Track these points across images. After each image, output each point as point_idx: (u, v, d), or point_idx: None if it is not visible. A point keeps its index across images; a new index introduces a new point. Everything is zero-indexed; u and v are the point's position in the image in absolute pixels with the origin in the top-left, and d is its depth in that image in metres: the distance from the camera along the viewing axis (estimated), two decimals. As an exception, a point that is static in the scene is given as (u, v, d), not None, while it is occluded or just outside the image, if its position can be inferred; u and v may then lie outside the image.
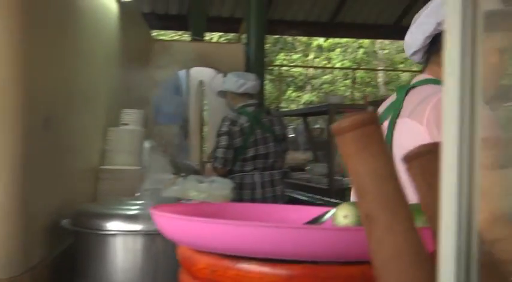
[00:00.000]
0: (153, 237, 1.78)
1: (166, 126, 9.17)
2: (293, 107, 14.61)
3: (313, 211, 0.78)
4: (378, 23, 11.33)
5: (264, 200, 3.84)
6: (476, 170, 0.50)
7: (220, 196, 3.70)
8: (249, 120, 3.84)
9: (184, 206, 0.94)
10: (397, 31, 11.60)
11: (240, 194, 3.81)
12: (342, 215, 0.67)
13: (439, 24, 1.49)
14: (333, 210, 0.72)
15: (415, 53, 1.57)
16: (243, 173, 3.85)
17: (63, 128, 2.13)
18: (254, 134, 3.84)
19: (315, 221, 0.73)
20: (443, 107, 0.48)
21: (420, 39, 1.52)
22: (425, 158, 0.50)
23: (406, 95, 1.50)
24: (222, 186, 3.71)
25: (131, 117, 3.11)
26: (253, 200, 3.83)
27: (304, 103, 14.59)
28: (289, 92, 14.81)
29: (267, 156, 3.88)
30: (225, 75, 7.42)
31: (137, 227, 1.80)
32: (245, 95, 3.94)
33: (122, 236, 1.80)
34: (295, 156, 7.62)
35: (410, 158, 0.50)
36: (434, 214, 0.51)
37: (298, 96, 14.70)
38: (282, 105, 14.00)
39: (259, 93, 5.34)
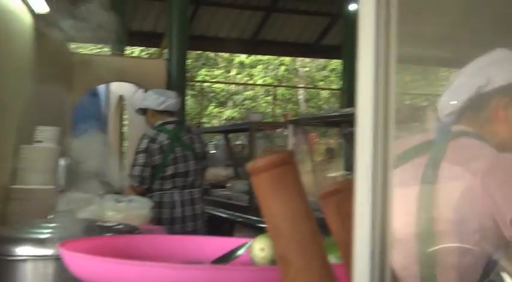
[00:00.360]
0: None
1: (84, 142, 8.91)
2: (215, 122, 14.60)
3: (230, 243, 0.77)
4: (299, 41, 11.57)
5: (184, 218, 3.80)
6: (389, 206, 0.50)
7: (138, 216, 3.60)
8: (169, 138, 3.79)
9: (95, 240, 0.90)
10: (317, 49, 11.90)
11: (159, 213, 3.74)
12: (258, 247, 0.66)
13: (480, 87, 1.47)
14: (249, 243, 0.71)
15: (451, 113, 1.54)
16: (162, 192, 3.79)
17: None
18: (174, 151, 3.79)
19: (232, 254, 0.72)
20: (357, 140, 0.48)
21: (459, 101, 1.50)
22: (340, 196, 0.49)
23: (448, 138, 1.47)
24: (141, 206, 3.62)
25: (45, 135, 2.99)
26: (172, 219, 3.77)
27: (226, 119, 14.63)
28: (211, 107, 14.81)
29: (186, 175, 3.84)
30: (146, 91, 7.33)
31: (48, 251, 1.71)
32: (165, 112, 3.89)
33: (32, 262, 1.71)
34: (216, 173, 7.59)
35: (325, 196, 0.50)
36: (348, 251, 0.51)
37: (220, 112, 14.73)
38: (204, 120, 13.97)
39: (181, 111, 5.29)
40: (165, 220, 3.75)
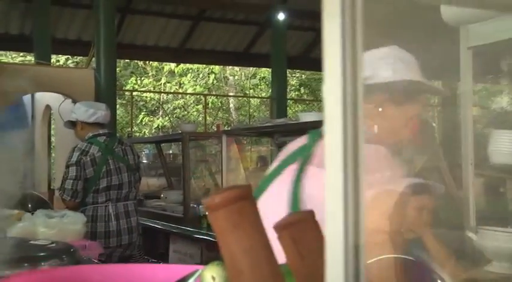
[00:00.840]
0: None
1: (9, 151, 8.59)
2: (145, 131, 14.38)
3: (181, 270, 0.77)
4: (227, 49, 11.61)
5: (119, 231, 3.73)
6: (361, 222, 0.50)
7: (72, 231, 3.50)
8: (101, 150, 3.72)
9: (43, 272, 0.87)
10: (246, 58, 11.97)
11: (94, 227, 3.66)
12: (209, 276, 0.66)
13: (365, 78, 1.50)
14: (200, 271, 0.71)
15: None
16: (96, 205, 3.70)
17: None
18: (106, 164, 3.72)
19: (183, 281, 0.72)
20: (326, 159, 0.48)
21: None
22: (297, 228, 0.50)
23: (316, 141, 1.47)
24: (74, 221, 3.51)
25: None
26: (107, 232, 3.69)
27: (157, 127, 14.43)
28: (141, 116, 14.59)
29: (120, 187, 3.77)
30: (74, 101, 7.15)
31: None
32: (96, 124, 3.81)
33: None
34: (149, 183, 7.48)
35: (281, 228, 0.51)
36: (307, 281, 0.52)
37: (151, 121, 14.52)
38: (135, 129, 13.75)
39: (112, 122, 5.18)
40: (100, 234, 3.67)
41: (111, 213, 3.72)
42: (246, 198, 0.47)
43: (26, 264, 1.84)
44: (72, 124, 3.90)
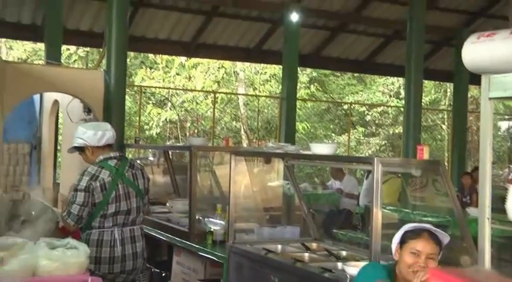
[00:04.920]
0: None
1: (15, 145, 8.58)
2: (153, 124, 14.27)
3: None
4: (239, 45, 11.52)
5: (124, 257, 3.66)
6: None
7: (75, 264, 3.41)
8: (111, 175, 3.63)
9: None
10: (258, 54, 11.86)
11: (99, 252, 3.61)
12: None
13: None
14: None
15: None
16: (102, 229, 3.63)
17: None
18: (116, 189, 3.64)
19: None
20: None
21: None
22: None
23: None
24: (77, 254, 3.42)
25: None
26: (111, 258, 3.63)
27: (165, 120, 14.34)
28: (149, 107, 14.48)
29: (128, 212, 3.69)
30: (82, 102, 7.07)
31: None
32: (106, 146, 3.73)
33: None
34: (156, 183, 7.43)
35: None
36: None
37: (159, 114, 14.40)
38: (142, 119, 13.70)
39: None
40: (104, 259, 3.62)
41: (117, 238, 3.65)
42: None
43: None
44: (77, 149, 3.79)
